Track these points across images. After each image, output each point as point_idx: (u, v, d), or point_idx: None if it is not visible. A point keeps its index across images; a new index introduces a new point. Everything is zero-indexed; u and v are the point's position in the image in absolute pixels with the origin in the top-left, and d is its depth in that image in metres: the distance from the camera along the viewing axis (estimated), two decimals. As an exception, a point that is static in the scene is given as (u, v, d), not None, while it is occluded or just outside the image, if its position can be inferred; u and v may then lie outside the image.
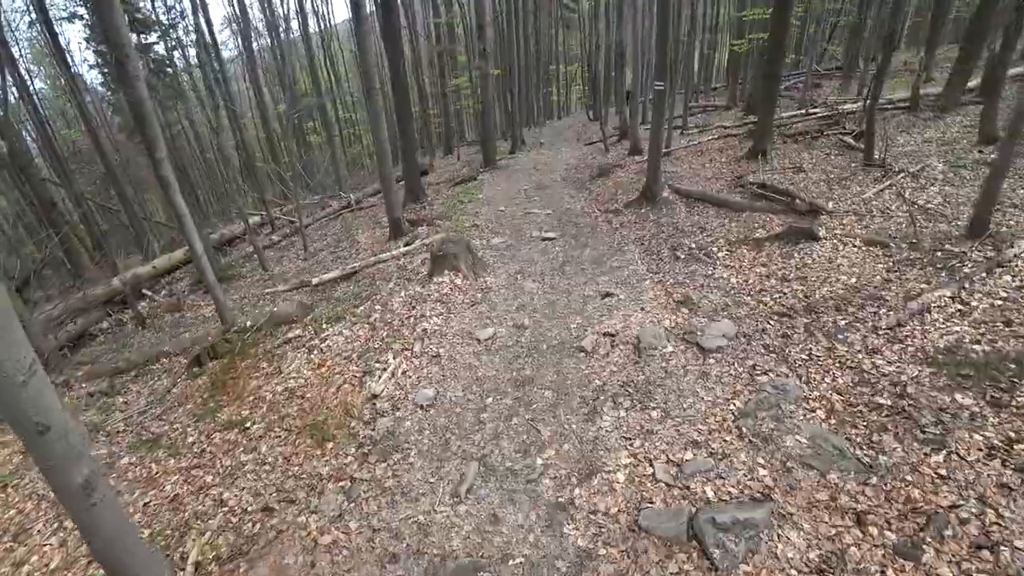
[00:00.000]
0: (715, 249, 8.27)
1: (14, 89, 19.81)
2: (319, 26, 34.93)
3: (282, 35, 32.04)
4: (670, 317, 6.36)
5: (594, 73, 31.57)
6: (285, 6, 31.36)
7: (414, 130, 14.81)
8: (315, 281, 10.31)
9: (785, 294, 6.59)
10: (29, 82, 22.61)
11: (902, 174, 9.37)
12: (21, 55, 22.75)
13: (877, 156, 10.29)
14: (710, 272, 7.56)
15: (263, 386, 6.51)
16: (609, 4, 25.22)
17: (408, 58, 32.19)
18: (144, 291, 14.38)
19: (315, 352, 6.87)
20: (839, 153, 11.76)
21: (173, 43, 30.89)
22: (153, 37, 30.34)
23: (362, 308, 7.97)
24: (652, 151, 10.77)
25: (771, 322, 6.00)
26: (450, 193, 16.16)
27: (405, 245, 10.99)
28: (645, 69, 16.13)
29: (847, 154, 11.55)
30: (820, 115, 14.48)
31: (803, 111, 15.18)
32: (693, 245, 8.52)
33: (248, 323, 8.63)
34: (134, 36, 26.96)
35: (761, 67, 14.55)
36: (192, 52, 29.95)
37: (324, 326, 7.82)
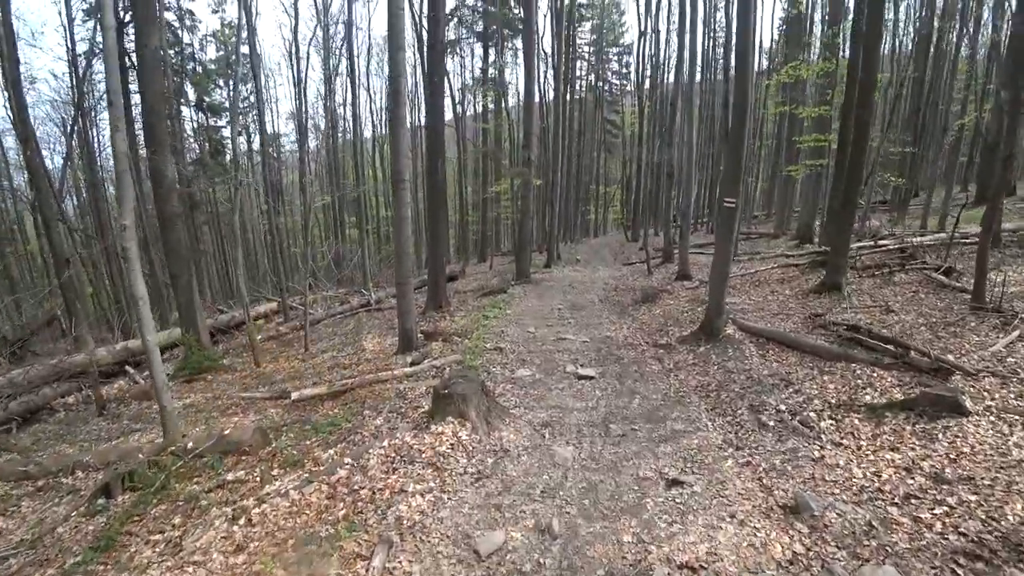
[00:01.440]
0: (813, 415, 5.94)
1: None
2: (373, 125, 35.38)
3: (339, 133, 32.35)
4: (780, 538, 3.97)
5: (634, 193, 30.66)
6: (344, 108, 31.59)
7: (447, 233, 13.20)
8: (295, 396, 8.22)
9: (954, 509, 4.18)
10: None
11: (1032, 322, 7.24)
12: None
13: (988, 298, 8.19)
14: (817, 454, 5.20)
15: (152, 563, 4.21)
16: (654, 127, 24.46)
17: (452, 162, 31.96)
18: (129, 368, 12.50)
19: (242, 521, 4.59)
20: (931, 292, 9.68)
21: (240, 129, 31.52)
22: (222, 121, 31.11)
23: (329, 455, 5.75)
24: (716, 278, 8.76)
25: (958, 570, 3.57)
26: (476, 304, 14.28)
27: (412, 364, 8.90)
28: (696, 187, 14.55)
29: (941, 294, 9.48)
30: (890, 247, 12.52)
31: (872, 242, 13.23)
32: (782, 407, 6.20)
33: (190, 444, 6.47)
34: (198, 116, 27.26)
35: (836, 194, 12.79)
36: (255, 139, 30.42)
37: (275, 472, 5.61)
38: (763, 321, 9.43)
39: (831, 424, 5.74)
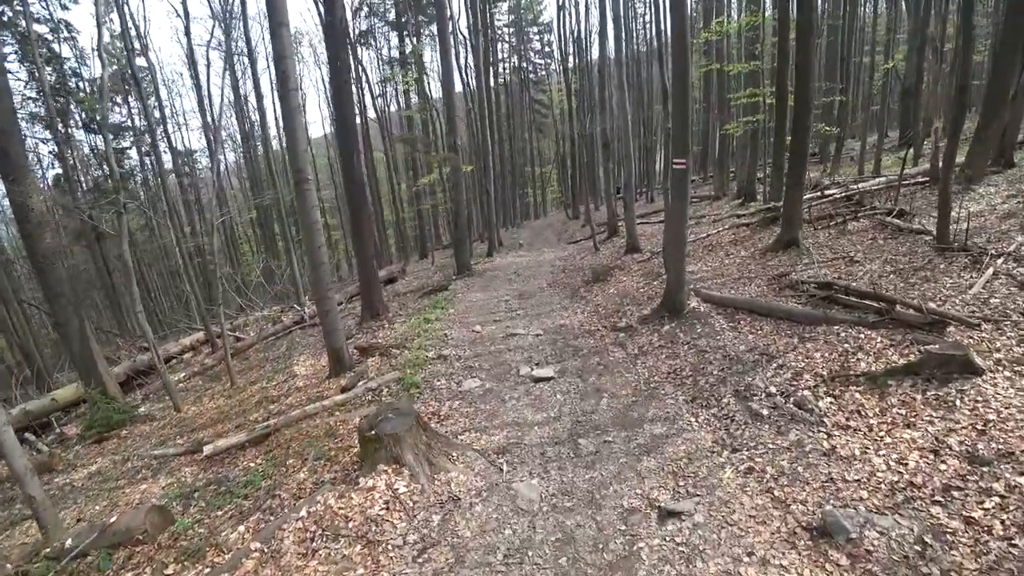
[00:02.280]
0: (808, 394, 5.05)
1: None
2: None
3: (257, 143, 30.07)
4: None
5: (570, 171, 29.78)
6: (254, 113, 29.31)
7: (372, 233, 11.86)
8: (207, 451, 6.87)
9: (1006, 499, 3.35)
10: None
11: (1002, 257, 6.69)
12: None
13: (951, 238, 7.67)
14: (827, 445, 4.29)
15: None
16: (582, 103, 23.53)
17: (382, 159, 30.24)
18: (29, 434, 10.67)
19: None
20: (890, 237, 9.12)
21: (147, 148, 28.72)
22: (126, 142, 28.26)
23: (238, 534, 4.47)
24: (671, 247, 7.83)
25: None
26: (417, 306, 13.00)
27: (344, 390, 7.63)
28: (634, 157, 13.59)
29: (900, 238, 8.93)
30: (837, 196, 11.99)
31: (818, 193, 12.68)
32: (771, 389, 5.29)
33: (69, 541, 5.06)
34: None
35: (780, 148, 12.10)
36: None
37: (168, 572, 4.29)
38: (726, 288, 8.58)
39: (831, 403, 4.86)
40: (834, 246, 9.31)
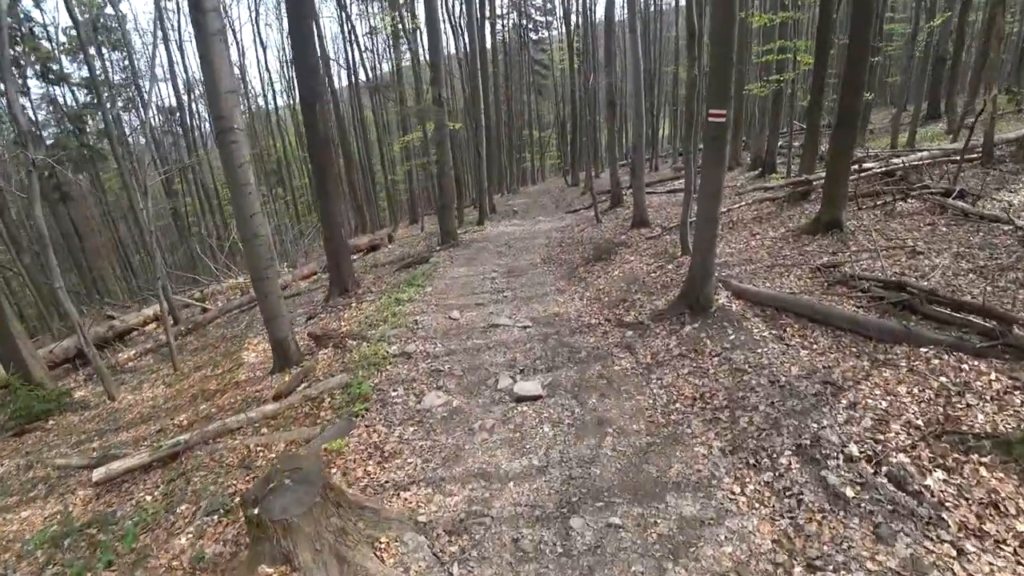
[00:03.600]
0: (906, 462, 3.38)
1: None
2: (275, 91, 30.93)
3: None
4: None
5: (570, 135, 27.57)
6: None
7: (339, 197, 9.99)
8: (96, 477, 5.25)
9: None
10: None
11: None
12: None
13: None
14: (961, 572, 2.62)
15: None
16: (589, 55, 21.22)
17: (369, 119, 27.97)
18: None
19: None
20: (953, 223, 7.41)
21: (124, 103, 26.34)
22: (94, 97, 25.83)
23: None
24: (703, 228, 6.04)
25: None
26: (393, 281, 11.22)
27: (275, 398, 5.93)
28: (646, 118, 11.58)
29: (969, 225, 7.21)
30: (875, 171, 10.14)
31: (854, 166, 10.81)
32: (852, 448, 3.58)
33: None
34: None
35: (815, 110, 10.13)
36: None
37: None
38: (758, 279, 6.82)
39: (945, 483, 3.19)
40: (886, 231, 7.56)
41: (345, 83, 29.97)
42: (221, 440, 5.54)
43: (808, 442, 3.72)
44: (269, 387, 6.73)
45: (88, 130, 20.79)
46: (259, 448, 5.09)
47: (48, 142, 20.18)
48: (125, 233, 26.66)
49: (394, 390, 5.66)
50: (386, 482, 4.08)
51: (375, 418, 5.11)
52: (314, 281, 14.67)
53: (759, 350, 5.09)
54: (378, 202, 30.53)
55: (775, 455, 3.70)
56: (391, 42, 25.72)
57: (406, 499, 3.82)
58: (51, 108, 21.40)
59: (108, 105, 23.63)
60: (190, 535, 3.97)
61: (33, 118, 21.55)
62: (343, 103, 26.63)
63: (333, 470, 4.36)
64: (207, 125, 32.98)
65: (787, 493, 3.35)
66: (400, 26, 18.60)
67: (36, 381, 8.96)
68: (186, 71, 29.17)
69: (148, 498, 4.95)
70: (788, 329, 5.37)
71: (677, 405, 4.71)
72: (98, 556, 4.15)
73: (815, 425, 3.86)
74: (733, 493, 3.47)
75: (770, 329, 5.46)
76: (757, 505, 3.33)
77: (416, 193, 25.27)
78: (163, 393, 8.55)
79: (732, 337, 5.47)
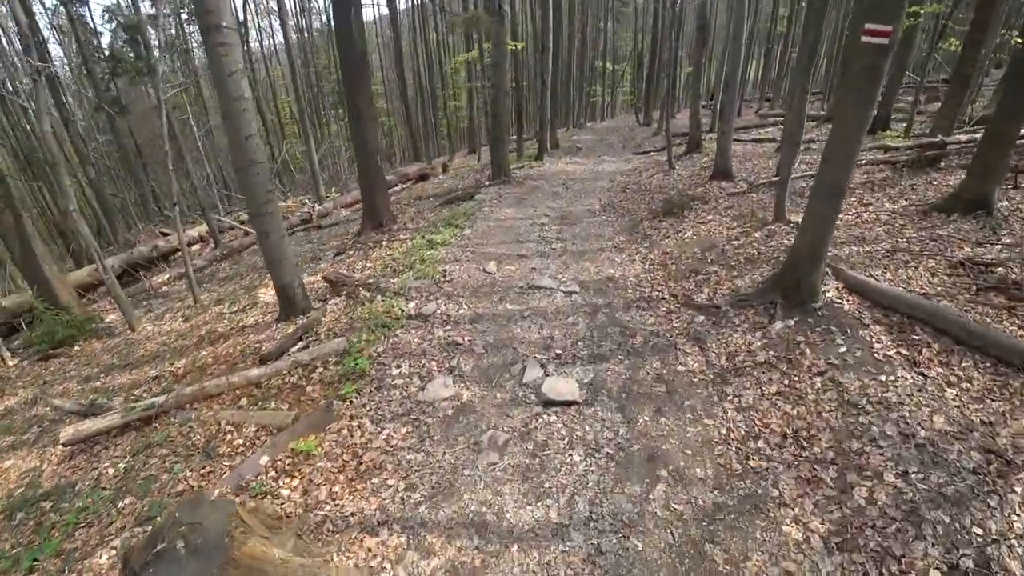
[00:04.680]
0: None
1: None
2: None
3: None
4: None
5: (646, 69, 24.76)
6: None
7: (372, 121, 8.71)
8: (64, 438, 4.48)
9: None
10: None
11: None
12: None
13: None
14: None
15: None
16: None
17: (433, 41, 25.96)
18: None
19: None
20: None
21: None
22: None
23: None
24: (823, 196, 4.35)
25: None
26: (434, 218, 9.99)
27: (261, 361, 4.92)
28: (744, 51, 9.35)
29: None
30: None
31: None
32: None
33: None
34: None
35: (969, 56, 7.75)
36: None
37: None
38: (877, 266, 5.12)
39: None
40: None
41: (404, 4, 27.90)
42: (197, 406, 4.63)
43: (971, 565, 2.30)
44: (270, 339, 5.77)
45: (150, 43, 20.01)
46: (229, 428, 4.12)
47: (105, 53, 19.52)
48: (186, 150, 26.43)
49: (396, 366, 4.51)
50: (351, 515, 2.99)
51: (364, 408, 4.00)
52: (355, 210, 13.69)
53: (883, 377, 3.57)
54: (437, 129, 29.03)
55: (917, 570, 2.32)
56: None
57: (368, 550, 2.71)
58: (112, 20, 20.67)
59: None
60: (112, 553, 3.06)
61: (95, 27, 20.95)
62: (402, 24, 24.73)
63: (294, 482, 3.31)
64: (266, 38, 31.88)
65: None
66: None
67: (62, 305, 8.48)
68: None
69: (110, 471, 4.15)
70: (925, 351, 3.79)
71: (760, 444, 3.33)
72: (31, 550, 3.36)
73: (979, 532, 2.43)
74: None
75: (898, 346, 3.89)
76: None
77: (476, 121, 23.56)
78: (179, 328, 7.85)
79: (843, 350, 3.95)
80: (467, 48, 22.01)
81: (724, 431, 3.53)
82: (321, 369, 4.65)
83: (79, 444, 4.59)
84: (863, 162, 8.47)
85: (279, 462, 3.55)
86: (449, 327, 5.22)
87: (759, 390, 3.85)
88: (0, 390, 7.02)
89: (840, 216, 6.61)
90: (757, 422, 3.56)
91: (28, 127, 18.11)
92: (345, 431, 3.75)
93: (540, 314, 5.43)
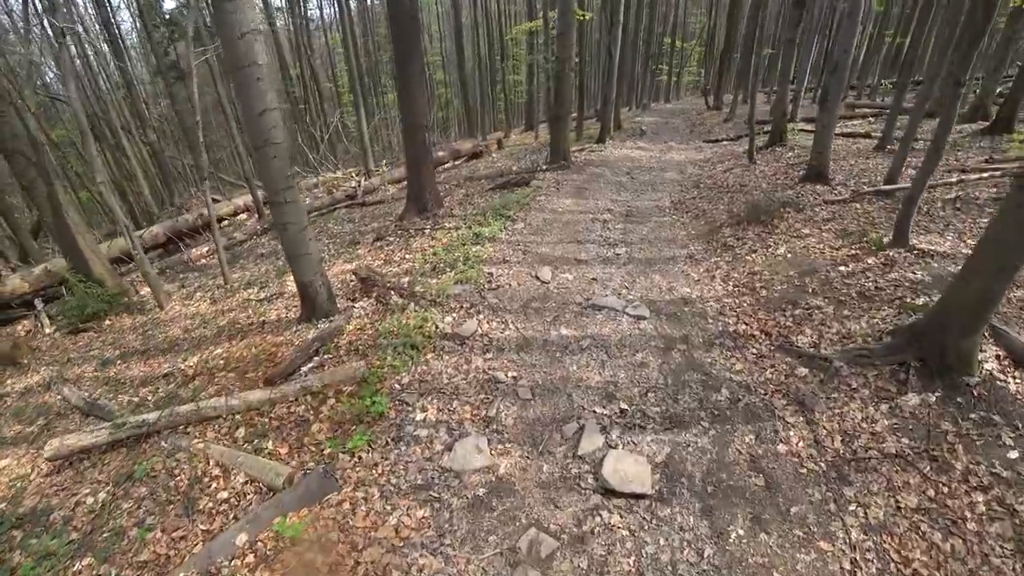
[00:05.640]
0: None
1: None
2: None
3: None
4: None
5: (720, 46, 22.72)
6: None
7: (421, 89, 7.74)
8: (48, 452, 3.88)
9: None
10: None
11: None
12: None
13: None
14: None
15: None
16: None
17: (493, 10, 24.57)
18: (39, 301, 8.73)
19: None
20: None
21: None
22: None
23: None
24: (1010, 234, 3.11)
25: None
26: (483, 204, 9.04)
27: (266, 382, 4.14)
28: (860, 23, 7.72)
29: None
30: None
31: None
32: None
33: None
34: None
35: None
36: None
37: None
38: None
39: None
40: None
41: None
42: (189, 431, 3.91)
43: None
44: (288, 342, 5.01)
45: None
46: (216, 472, 3.36)
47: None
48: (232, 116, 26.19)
49: (422, 409, 3.62)
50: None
51: (375, 469, 3.14)
52: (402, 187, 12.82)
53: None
54: (495, 103, 27.78)
55: None
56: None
57: None
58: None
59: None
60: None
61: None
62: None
63: (270, 583, 2.48)
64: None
65: None
66: None
67: (96, 277, 8.03)
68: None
69: (89, 500, 3.50)
70: None
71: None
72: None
73: None
74: None
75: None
76: None
77: (535, 96, 22.24)
78: (204, 311, 7.26)
79: (1014, 455, 2.81)
80: (530, 17, 20.62)
81: (848, 565, 2.49)
82: (333, 401, 3.82)
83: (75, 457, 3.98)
84: (997, 174, 6.95)
85: (259, 543, 2.73)
86: (490, 355, 4.29)
87: (893, 500, 2.78)
88: (27, 365, 6.63)
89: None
90: (894, 554, 2.50)
91: (85, 93, 18.02)
92: (347, 505, 2.89)
93: (602, 345, 4.43)
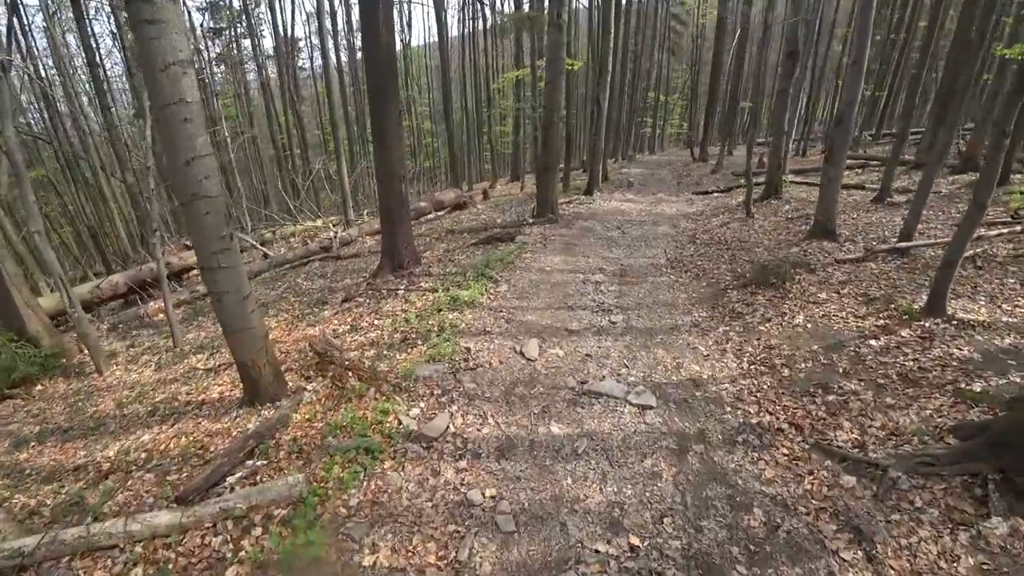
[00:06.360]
0: None
1: None
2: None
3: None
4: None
5: (704, 99, 22.83)
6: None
7: (397, 140, 7.10)
8: None
9: None
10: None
11: None
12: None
13: None
14: None
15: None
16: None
17: (481, 64, 24.65)
18: None
19: None
20: None
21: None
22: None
23: None
24: None
25: None
26: (465, 262, 8.33)
27: (177, 501, 3.23)
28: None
29: None
30: None
31: None
32: None
33: None
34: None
35: None
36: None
37: None
38: None
39: None
40: None
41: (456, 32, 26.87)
42: (73, 565, 3.00)
43: None
44: (224, 432, 4.14)
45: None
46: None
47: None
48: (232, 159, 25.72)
49: (371, 552, 2.75)
50: None
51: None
52: (380, 240, 12.18)
53: None
54: (481, 153, 27.59)
55: None
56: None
57: None
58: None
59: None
60: None
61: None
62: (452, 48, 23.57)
63: None
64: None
65: None
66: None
67: (31, 335, 7.10)
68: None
69: None
70: None
71: None
72: None
73: None
74: None
75: None
76: None
77: (521, 146, 21.99)
78: (147, 379, 6.35)
79: None
80: (517, 67, 20.58)
81: None
82: (259, 531, 2.94)
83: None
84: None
85: None
86: (463, 463, 3.44)
87: None
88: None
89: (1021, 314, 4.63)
90: None
91: (66, 133, 17.41)
92: None
93: (601, 447, 3.61)
